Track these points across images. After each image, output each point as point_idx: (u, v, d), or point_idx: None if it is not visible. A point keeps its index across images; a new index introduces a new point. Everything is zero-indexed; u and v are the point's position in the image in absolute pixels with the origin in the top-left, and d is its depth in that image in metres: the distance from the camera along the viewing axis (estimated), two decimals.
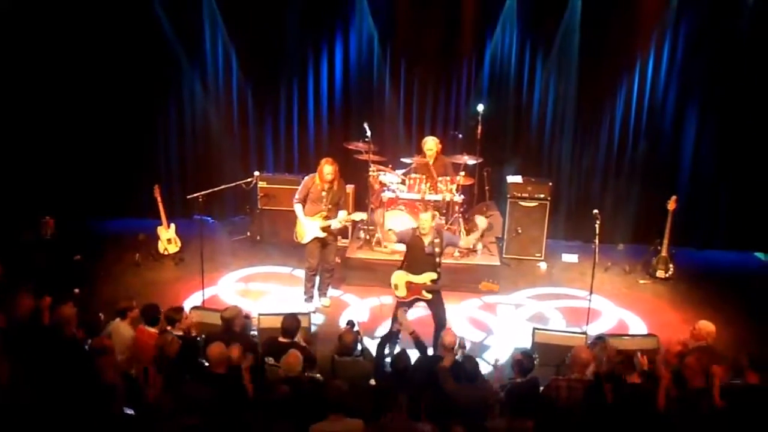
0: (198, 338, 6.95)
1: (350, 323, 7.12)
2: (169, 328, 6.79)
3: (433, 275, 7.57)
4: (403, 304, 7.67)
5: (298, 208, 8.81)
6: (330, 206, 8.73)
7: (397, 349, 7.20)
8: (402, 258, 7.87)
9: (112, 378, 5.86)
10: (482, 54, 11.00)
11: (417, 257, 7.64)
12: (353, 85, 11.29)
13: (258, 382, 6.19)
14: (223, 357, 6.07)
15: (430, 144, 9.88)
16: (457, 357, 6.52)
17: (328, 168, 8.63)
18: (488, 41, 10.93)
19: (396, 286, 7.68)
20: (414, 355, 6.76)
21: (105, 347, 6.31)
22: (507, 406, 5.85)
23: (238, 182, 10.53)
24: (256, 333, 7.83)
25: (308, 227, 8.77)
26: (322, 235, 8.78)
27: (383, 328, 8.29)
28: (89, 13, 10.69)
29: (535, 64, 10.98)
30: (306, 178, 8.94)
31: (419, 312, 8.04)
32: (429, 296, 7.62)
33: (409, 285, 7.62)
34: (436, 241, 7.61)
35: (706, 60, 10.53)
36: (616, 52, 10.70)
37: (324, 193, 8.70)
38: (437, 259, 7.63)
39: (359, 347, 6.86)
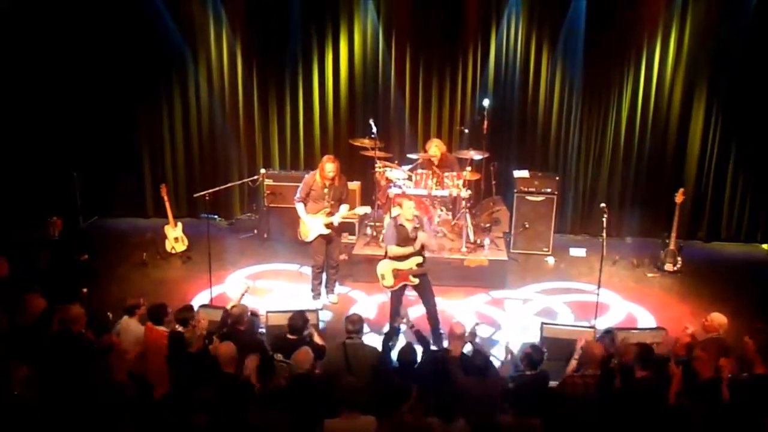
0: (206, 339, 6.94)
1: None
2: (180, 328, 6.77)
3: (419, 259, 7.69)
4: (393, 294, 7.78)
5: (300, 207, 8.79)
6: (332, 202, 8.72)
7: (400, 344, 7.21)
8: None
9: (121, 376, 5.87)
10: (487, 48, 10.97)
11: (401, 244, 7.74)
12: (358, 82, 11.26)
13: (267, 380, 6.19)
14: (232, 356, 6.05)
15: (434, 150, 9.85)
16: (466, 347, 6.51)
17: (329, 166, 8.61)
18: (493, 35, 10.89)
19: (383, 276, 7.77)
20: (418, 349, 6.76)
21: (112, 345, 6.32)
22: (516, 398, 5.83)
23: (244, 180, 10.53)
24: (264, 330, 7.84)
25: (312, 225, 8.76)
26: (327, 232, 8.77)
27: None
28: (91, 11, 10.73)
29: (541, 58, 10.94)
30: (306, 176, 8.91)
31: (422, 310, 8.08)
32: (416, 281, 7.71)
33: (396, 272, 7.72)
34: (417, 225, 7.78)
35: (713, 52, 10.51)
36: (622, 44, 10.70)
37: (326, 190, 8.68)
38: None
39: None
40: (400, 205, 7.93)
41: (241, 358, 6.19)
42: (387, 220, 8.27)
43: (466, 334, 6.64)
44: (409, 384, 5.72)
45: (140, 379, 6.26)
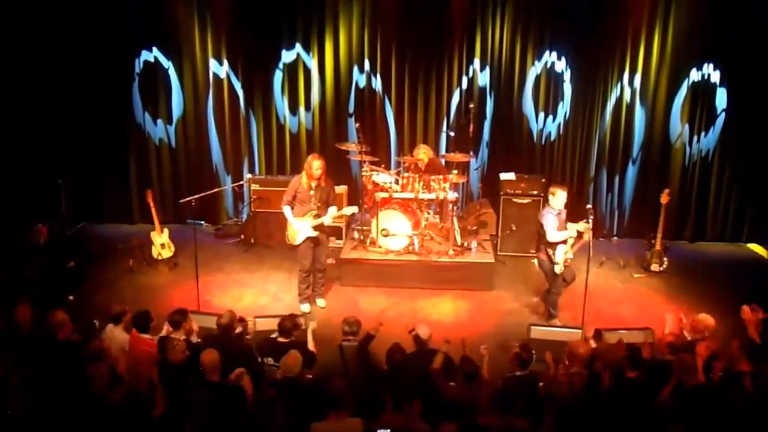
0: (199, 343, 6.91)
1: None
2: (170, 330, 6.73)
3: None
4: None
5: (287, 210, 8.74)
6: (319, 204, 8.66)
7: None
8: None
9: (105, 384, 5.80)
10: (473, 50, 10.97)
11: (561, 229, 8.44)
12: (344, 85, 11.24)
13: (257, 387, 6.16)
14: (216, 364, 5.97)
15: (422, 155, 9.87)
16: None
17: (316, 163, 8.53)
18: (478, 38, 10.91)
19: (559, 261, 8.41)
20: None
21: (97, 353, 6.27)
22: (504, 398, 5.84)
23: (230, 185, 10.50)
24: (249, 336, 7.80)
25: (299, 228, 8.73)
26: (314, 234, 8.74)
27: None
28: (76, 16, 10.70)
29: (526, 61, 10.96)
30: (293, 179, 8.88)
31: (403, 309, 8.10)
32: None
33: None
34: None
35: (698, 52, 10.59)
36: (607, 46, 10.77)
37: (312, 192, 8.63)
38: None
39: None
40: (553, 194, 8.39)
41: (232, 366, 6.16)
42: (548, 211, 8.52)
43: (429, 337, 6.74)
44: (391, 387, 5.73)
45: (132, 389, 6.22)
